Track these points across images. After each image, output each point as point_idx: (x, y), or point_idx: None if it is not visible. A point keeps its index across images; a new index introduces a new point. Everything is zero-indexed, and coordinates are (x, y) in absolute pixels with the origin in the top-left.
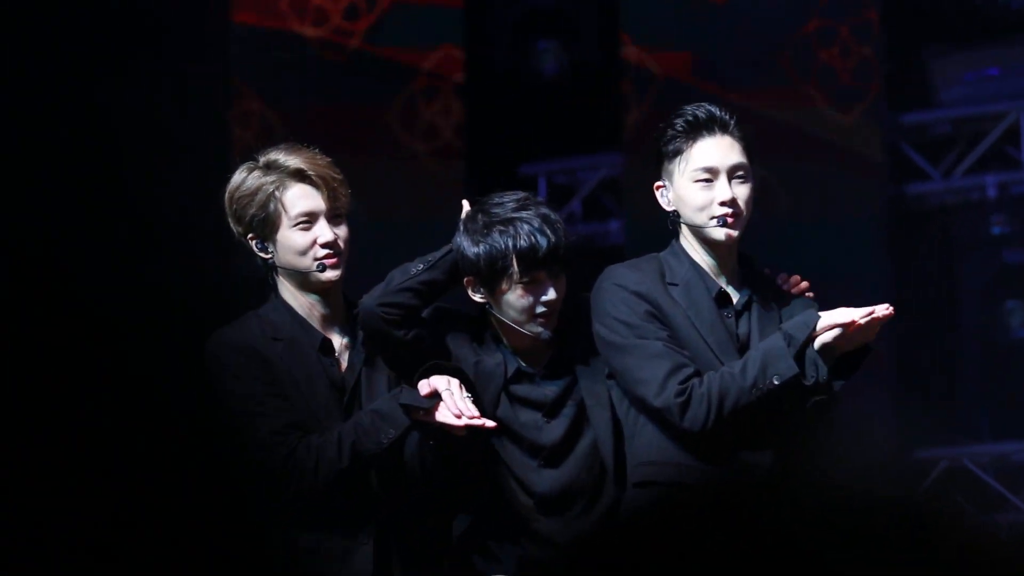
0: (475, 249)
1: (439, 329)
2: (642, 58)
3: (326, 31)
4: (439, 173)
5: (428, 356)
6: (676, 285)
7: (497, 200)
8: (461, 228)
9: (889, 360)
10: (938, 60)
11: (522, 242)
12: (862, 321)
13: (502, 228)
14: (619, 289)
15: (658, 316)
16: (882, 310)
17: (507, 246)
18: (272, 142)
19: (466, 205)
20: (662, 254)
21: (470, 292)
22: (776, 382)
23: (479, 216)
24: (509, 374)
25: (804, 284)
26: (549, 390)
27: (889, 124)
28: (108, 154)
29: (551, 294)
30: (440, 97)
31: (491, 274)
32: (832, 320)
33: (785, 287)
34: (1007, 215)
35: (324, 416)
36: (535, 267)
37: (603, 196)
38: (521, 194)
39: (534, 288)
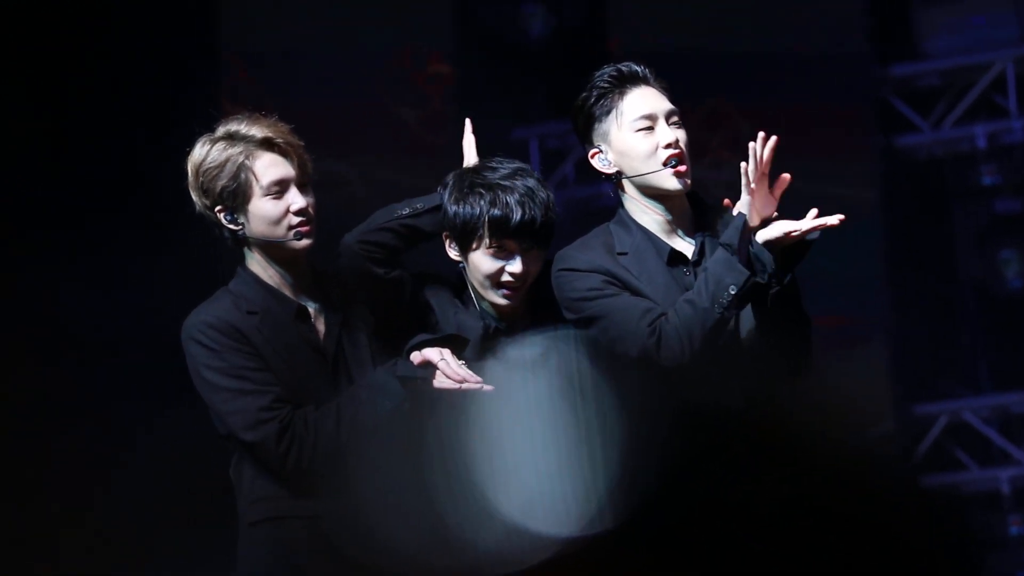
0: (455, 207)
1: (419, 283)
2: (629, 17)
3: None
4: (431, 140)
5: (407, 306)
6: (625, 254)
7: (493, 164)
8: (451, 182)
9: (884, 314)
10: (924, 11)
11: (497, 210)
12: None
13: (483, 191)
14: (569, 273)
15: (614, 282)
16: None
17: (482, 210)
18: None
19: (468, 127)
20: (610, 224)
21: (447, 247)
22: (733, 291)
23: (469, 175)
24: (485, 332)
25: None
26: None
27: (876, 76)
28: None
29: (517, 266)
30: (429, 64)
31: (463, 233)
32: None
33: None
34: (997, 165)
35: (310, 384)
36: (505, 235)
37: None
38: (517, 164)
39: (502, 256)
